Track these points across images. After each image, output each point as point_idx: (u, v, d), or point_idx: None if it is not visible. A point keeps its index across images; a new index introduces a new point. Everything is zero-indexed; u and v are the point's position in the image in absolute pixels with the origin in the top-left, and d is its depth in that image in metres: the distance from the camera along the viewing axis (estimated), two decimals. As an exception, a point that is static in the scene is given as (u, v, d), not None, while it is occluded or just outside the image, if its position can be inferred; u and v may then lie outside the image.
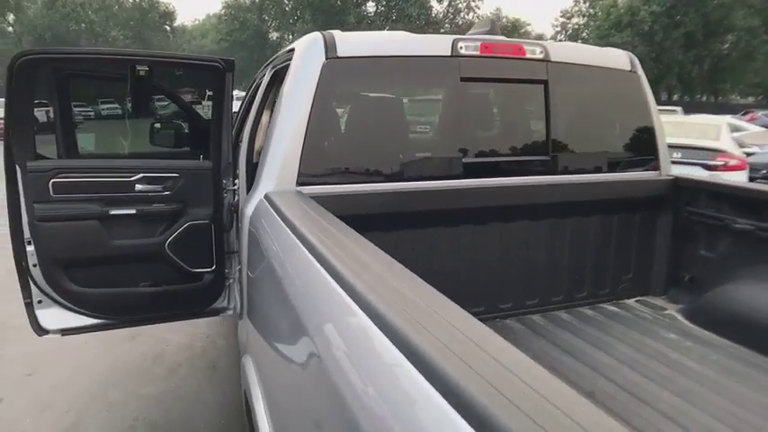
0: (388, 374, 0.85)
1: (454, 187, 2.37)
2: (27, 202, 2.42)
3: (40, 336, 2.65)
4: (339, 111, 2.49)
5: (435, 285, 1.06)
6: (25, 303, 2.58)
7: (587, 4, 48.26)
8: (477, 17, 52.78)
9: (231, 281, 2.82)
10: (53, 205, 2.41)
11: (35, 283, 2.55)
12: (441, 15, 53.47)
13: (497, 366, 0.75)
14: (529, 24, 61.31)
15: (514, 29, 55.53)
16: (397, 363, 0.82)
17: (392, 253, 1.28)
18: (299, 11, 52.89)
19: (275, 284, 1.60)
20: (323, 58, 2.21)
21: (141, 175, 2.52)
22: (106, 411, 3.18)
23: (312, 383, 1.13)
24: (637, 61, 2.81)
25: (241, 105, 4.04)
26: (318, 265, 1.24)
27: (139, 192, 2.54)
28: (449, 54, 2.38)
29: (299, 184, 2.16)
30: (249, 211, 2.21)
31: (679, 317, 2.65)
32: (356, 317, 0.99)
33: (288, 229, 1.56)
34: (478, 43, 2.42)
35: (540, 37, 55.84)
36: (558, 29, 51.36)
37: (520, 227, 2.60)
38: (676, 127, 9.13)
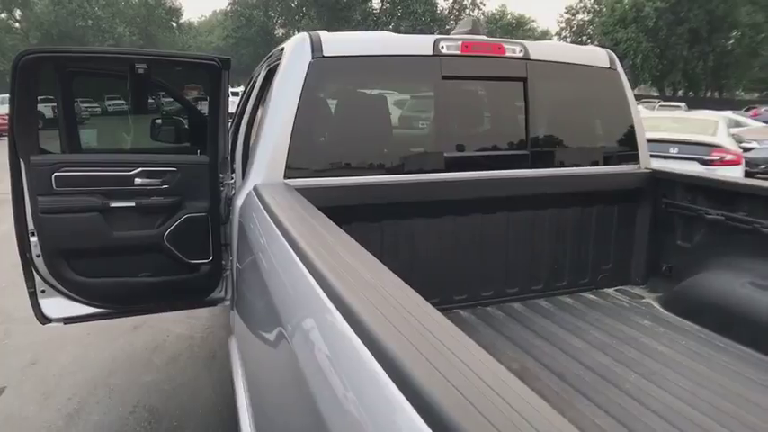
0: (347, 353, 0.92)
1: (435, 180, 2.48)
2: (31, 194, 2.53)
3: (43, 324, 2.77)
4: (326, 107, 2.59)
5: (418, 274, 1.13)
6: (29, 293, 2.70)
7: (592, 1, 48.11)
8: (483, 14, 52.73)
9: (228, 272, 2.93)
10: (56, 198, 2.52)
11: (38, 273, 2.66)
12: (446, 12, 53.42)
13: (443, 348, 0.82)
14: (534, 21, 61.24)
15: (519, 25, 55.43)
16: (355, 348, 0.89)
17: (376, 242, 1.37)
18: (305, 7, 52.95)
19: (255, 272, 1.71)
20: (309, 58, 2.33)
21: (140, 169, 2.63)
22: (108, 398, 3.30)
23: (284, 364, 1.21)
24: (616, 58, 2.90)
25: (239, 101, 4.15)
26: (293, 253, 1.33)
27: (139, 185, 2.65)
28: (431, 53, 2.48)
29: (287, 176, 2.27)
30: (239, 202, 2.32)
31: (655, 305, 2.75)
32: (321, 301, 1.06)
33: (269, 219, 1.67)
34: (459, 43, 2.52)
35: (545, 33, 55.67)
36: (563, 25, 51.21)
37: (500, 219, 2.71)
38: (676, 122, 9.20)
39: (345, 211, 1.76)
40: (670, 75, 43.14)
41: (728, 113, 17.09)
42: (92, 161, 2.69)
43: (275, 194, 1.93)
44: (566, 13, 50.57)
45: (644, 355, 2.20)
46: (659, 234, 2.91)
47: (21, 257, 2.64)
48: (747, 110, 25.35)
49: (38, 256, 2.64)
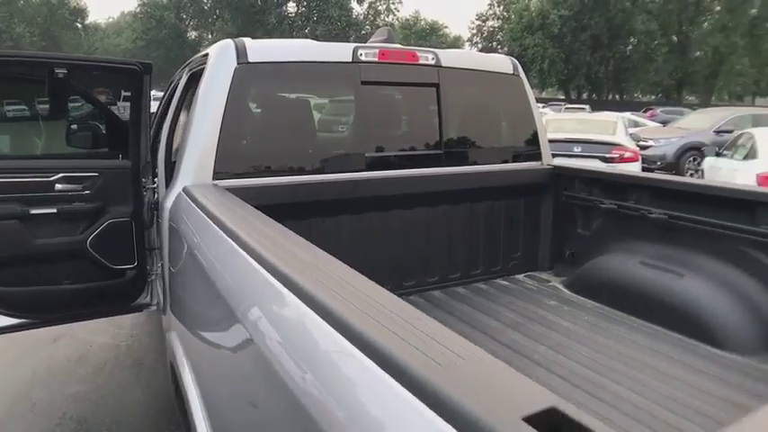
0: (307, 330, 1.01)
1: (358, 179, 2.66)
2: None
3: (-41, 337, 2.68)
4: (252, 111, 2.69)
5: None
6: None
7: (501, 8, 50.20)
8: (397, 20, 53.67)
9: (153, 277, 2.94)
10: None
11: None
12: (361, 17, 53.93)
13: (397, 318, 0.92)
14: (446, 27, 63.04)
15: (432, 31, 56.86)
16: (311, 319, 0.98)
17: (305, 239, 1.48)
18: (219, 10, 51.79)
19: (195, 269, 1.78)
20: (235, 64, 2.43)
21: (61, 174, 2.61)
22: (31, 412, 3.20)
23: (241, 350, 1.28)
24: (519, 65, 3.19)
25: (159, 106, 4.11)
26: (236, 245, 1.41)
27: (60, 191, 2.62)
28: (350, 60, 2.65)
29: (215, 178, 2.36)
30: (168, 204, 2.37)
31: (561, 287, 3.06)
32: (273, 286, 1.14)
33: (206, 217, 1.75)
34: (377, 50, 2.71)
35: (457, 39, 57.36)
36: (475, 31, 53.12)
37: (419, 213, 2.92)
38: (579, 123, 9.89)
39: (273, 210, 1.87)
40: (575, 79, 45.89)
41: (628, 114, 18.51)
42: (8, 167, 2.64)
43: (207, 194, 2.02)
44: (477, 19, 52.56)
45: (551, 330, 2.48)
46: (562, 223, 3.23)
47: None
48: (645, 111, 27.38)
49: None
